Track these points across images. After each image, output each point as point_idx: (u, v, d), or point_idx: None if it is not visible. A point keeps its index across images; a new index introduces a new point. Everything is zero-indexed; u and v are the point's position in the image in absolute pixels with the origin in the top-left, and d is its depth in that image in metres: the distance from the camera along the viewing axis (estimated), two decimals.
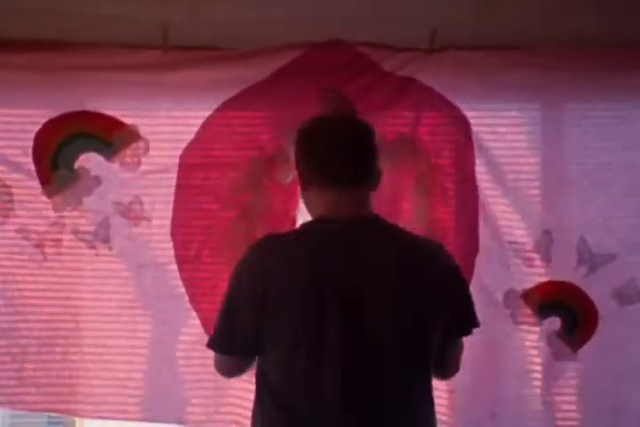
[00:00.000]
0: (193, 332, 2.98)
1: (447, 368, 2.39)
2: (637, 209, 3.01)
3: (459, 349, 2.39)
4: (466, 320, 2.35)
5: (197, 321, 2.97)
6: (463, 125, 3.01)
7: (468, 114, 3.02)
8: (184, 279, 2.98)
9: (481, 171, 3.01)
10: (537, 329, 3.00)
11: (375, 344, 2.13)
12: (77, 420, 3.35)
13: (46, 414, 3.25)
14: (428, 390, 2.25)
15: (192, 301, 2.98)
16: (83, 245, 2.98)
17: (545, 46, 2.96)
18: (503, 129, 3.03)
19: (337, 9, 2.86)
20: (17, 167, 2.96)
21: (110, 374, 3.00)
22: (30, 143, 2.95)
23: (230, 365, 2.30)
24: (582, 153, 3.03)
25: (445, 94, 3.00)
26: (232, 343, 2.21)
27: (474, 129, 3.02)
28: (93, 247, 2.98)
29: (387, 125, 2.99)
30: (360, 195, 2.27)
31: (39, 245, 2.97)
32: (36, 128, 2.96)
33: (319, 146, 2.28)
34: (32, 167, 2.95)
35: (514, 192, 3.01)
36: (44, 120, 2.96)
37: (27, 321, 2.99)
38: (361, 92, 2.99)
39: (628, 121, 3.02)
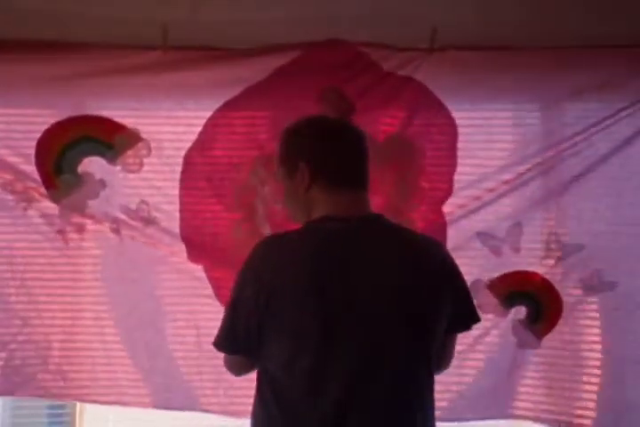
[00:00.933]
0: (216, 325, 2.99)
1: (444, 363, 2.40)
2: (608, 201, 3.04)
3: (455, 343, 2.41)
4: (466, 317, 2.36)
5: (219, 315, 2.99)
6: (450, 127, 3.02)
7: (465, 114, 3.04)
8: (204, 272, 3.00)
9: (472, 172, 3.03)
10: (503, 318, 3.05)
11: (377, 344, 2.14)
12: (78, 419, 3.34)
13: (69, 402, 3.25)
14: (431, 390, 2.26)
15: (217, 294, 2.99)
16: (105, 231, 2.98)
17: (545, 46, 2.96)
18: (502, 129, 3.05)
19: (337, 9, 2.86)
20: (18, 170, 2.96)
21: (134, 364, 3.02)
22: (31, 143, 2.95)
23: (237, 363, 2.30)
24: (577, 152, 3.03)
25: (444, 94, 3.01)
26: (236, 343, 2.21)
27: (470, 129, 3.03)
28: (117, 232, 2.98)
29: (386, 125, 3.01)
30: (362, 195, 2.27)
31: (61, 231, 2.98)
32: (37, 128, 2.95)
33: (322, 146, 2.26)
34: (36, 172, 2.95)
35: (490, 186, 3.03)
36: (45, 125, 2.96)
37: (50, 311, 3.01)
38: (361, 92, 2.99)
39: (628, 121, 3.03)
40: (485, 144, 3.05)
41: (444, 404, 2.97)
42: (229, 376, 2.82)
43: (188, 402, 3.05)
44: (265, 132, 3.00)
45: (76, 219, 2.97)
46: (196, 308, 3.01)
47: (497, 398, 3.07)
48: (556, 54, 2.97)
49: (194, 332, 3.00)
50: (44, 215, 2.97)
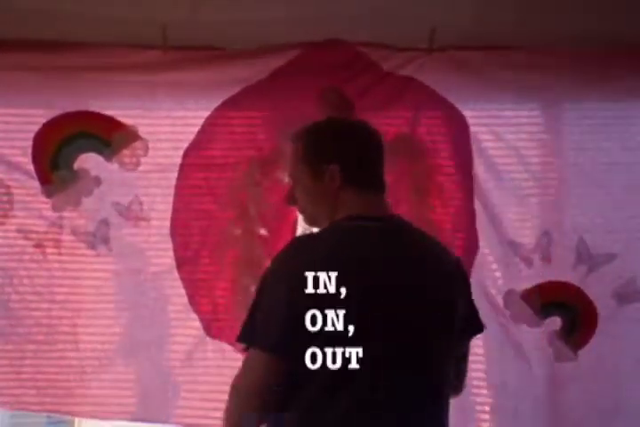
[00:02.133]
0: (191, 333, 2.99)
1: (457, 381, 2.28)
2: (636, 209, 3.01)
3: (466, 357, 2.30)
4: (472, 327, 2.29)
5: (196, 323, 2.98)
6: (461, 125, 3.01)
7: (467, 114, 3.02)
8: (183, 280, 2.98)
9: (480, 171, 3.01)
10: (538, 330, 3.00)
11: (376, 344, 2.13)
12: (77, 419, 3.34)
13: (45, 414, 3.21)
14: (432, 392, 2.17)
15: (191, 302, 2.98)
16: (83, 245, 2.98)
17: (544, 46, 2.96)
18: (502, 129, 3.03)
19: (337, 9, 2.86)
20: (17, 167, 2.96)
21: (108, 375, 2.99)
22: (30, 143, 2.95)
23: (277, 373, 2.09)
24: (581, 153, 3.03)
25: (444, 94, 3.00)
26: (292, 344, 2.07)
27: (473, 129, 3.02)
28: (93, 248, 2.98)
29: (386, 125, 2.97)
30: (383, 196, 2.24)
31: (39, 246, 2.97)
32: (36, 128, 2.96)
33: (350, 147, 2.20)
34: (31, 167, 2.95)
35: (513, 192, 3.01)
36: (43, 120, 2.96)
37: (24, 320, 2.98)
38: (360, 92, 2.99)
39: (628, 121, 3.03)
40: (491, 143, 3.03)
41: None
42: (205, 387, 2.89)
43: (163, 414, 3.00)
44: (264, 133, 3.00)
45: (52, 235, 2.96)
46: (171, 315, 3.00)
47: (536, 412, 3.02)
48: (556, 54, 2.97)
49: (170, 340, 2.99)
50: (20, 230, 2.96)
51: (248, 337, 2.10)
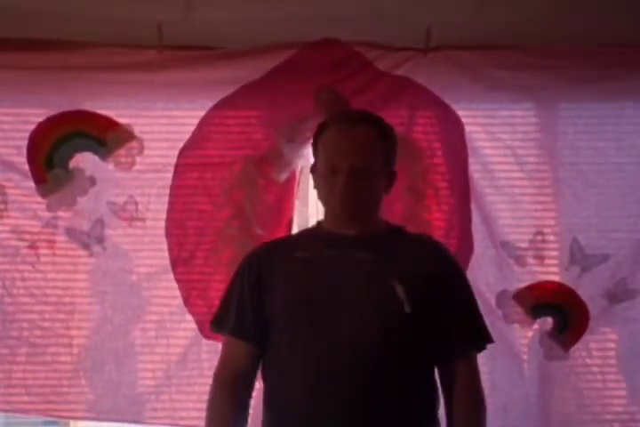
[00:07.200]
0: (187, 335, 2.98)
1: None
2: (630, 209, 3.02)
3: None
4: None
5: (191, 324, 2.97)
6: (457, 125, 3.01)
7: (463, 113, 3.02)
8: (178, 281, 2.98)
9: (474, 170, 3.01)
10: (529, 329, 3.01)
11: None
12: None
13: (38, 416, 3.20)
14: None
15: (186, 303, 2.98)
16: (76, 245, 2.97)
17: (539, 46, 2.96)
18: (497, 129, 3.04)
19: (332, 9, 2.87)
20: (11, 167, 2.96)
21: (101, 377, 2.98)
22: (25, 142, 2.95)
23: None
24: (576, 153, 3.04)
25: (440, 94, 3.00)
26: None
27: (468, 129, 3.02)
28: (87, 248, 2.97)
29: None
30: None
31: (32, 247, 2.96)
32: (31, 127, 2.95)
33: None
34: (26, 167, 2.95)
35: (507, 192, 3.02)
36: (39, 119, 2.95)
37: (17, 322, 2.98)
38: (356, 91, 2.99)
39: (622, 121, 3.03)
40: (486, 143, 3.04)
41: None
42: (199, 388, 2.86)
43: (158, 415, 3.00)
44: (259, 132, 2.99)
45: (46, 236, 2.96)
46: (166, 316, 2.99)
47: (526, 410, 3.02)
48: (551, 54, 2.97)
49: (164, 341, 2.98)
50: (13, 231, 2.96)
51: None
